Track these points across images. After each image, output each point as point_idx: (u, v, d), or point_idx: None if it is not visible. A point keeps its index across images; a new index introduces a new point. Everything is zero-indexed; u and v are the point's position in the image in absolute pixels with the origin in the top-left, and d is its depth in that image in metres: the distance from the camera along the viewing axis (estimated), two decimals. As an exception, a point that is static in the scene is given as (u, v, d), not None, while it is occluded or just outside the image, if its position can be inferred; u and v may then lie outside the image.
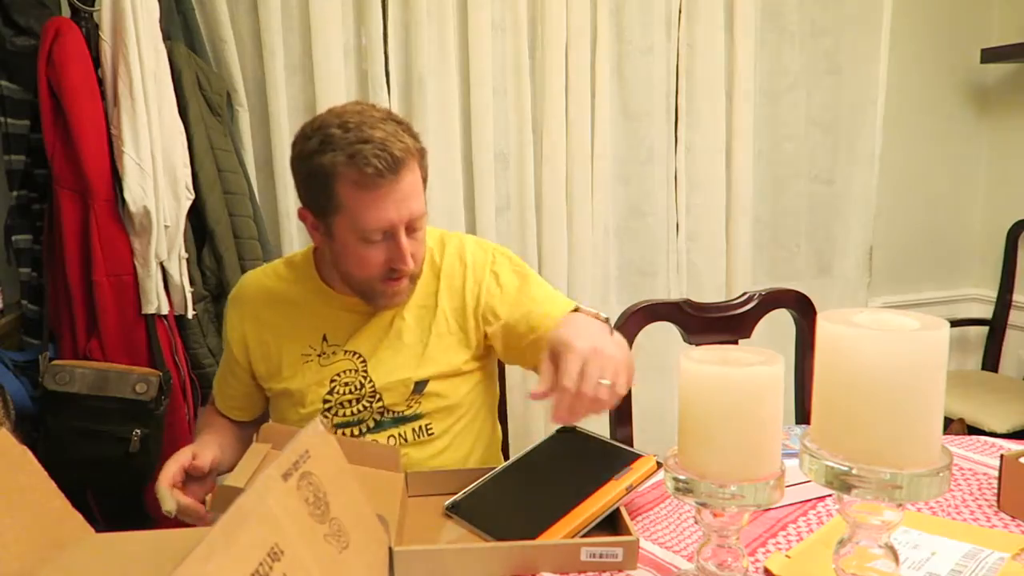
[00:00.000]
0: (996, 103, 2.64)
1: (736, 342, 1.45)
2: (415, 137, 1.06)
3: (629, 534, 0.86)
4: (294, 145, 1.08)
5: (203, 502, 1.02)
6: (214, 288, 1.68)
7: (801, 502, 0.98)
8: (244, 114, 1.82)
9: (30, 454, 0.67)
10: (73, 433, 1.44)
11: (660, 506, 0.99)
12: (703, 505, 0.70)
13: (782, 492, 0.70)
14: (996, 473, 0.98)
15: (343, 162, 1.00)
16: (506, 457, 1.37)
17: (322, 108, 1.24)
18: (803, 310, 1.48)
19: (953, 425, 2.19)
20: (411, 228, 1.06)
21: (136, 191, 1.46)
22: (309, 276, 1.20)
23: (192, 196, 1.59)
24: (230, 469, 1.00)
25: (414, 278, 1.13)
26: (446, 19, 1.94)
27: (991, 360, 2.59)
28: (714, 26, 2.15)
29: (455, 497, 0.99)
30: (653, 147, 2.20)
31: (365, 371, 1.15)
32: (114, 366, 1.48)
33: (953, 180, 2.68)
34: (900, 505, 0.63)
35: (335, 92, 1.86)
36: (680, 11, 2.16)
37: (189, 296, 1.59)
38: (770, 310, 1.48)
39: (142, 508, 1.57)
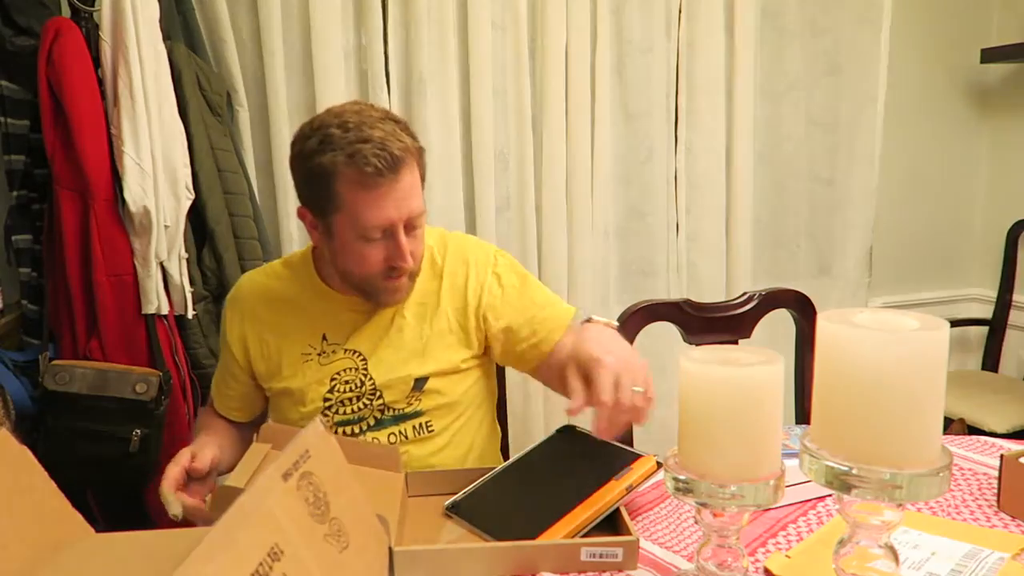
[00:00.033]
0: (996, 103, 2.64)
1: (736, 342, 1.45)
2: (413, 136, 1.07)
3: (629, 534, 0.86)
4: (293, 145, 1.09)
5: (205, 502, 1.02)
6: (214, 288, 1.68)
7: (801, 502, 0.98)
8: (244, 114, 1.82)
9: (30, 454, 0.67)
10: (73, 433, 1.44)
11: (660, 506, 0.99)
12: (703, 505, 0.70)
13: (782, 492, 0.70)
14: (996, 473, 0.98)
15: (343, 161, 1.01)
16: (506, 457, 1.37)
17: (322, 108, 1.24)
18: (803, 310, 1.48)
19: (953, 425, 2.19)
20: (410, 226, 1.07)
21: (136, 191, 1.46)
22: (308, 276, 1.20)
23: (192, 196, 1.59)
24: (230, 469, 1.01)
25: (413, 276, 1.14)
26: (446, 19, 1.94)
27: (991, 360, 2.59)
28: (714, 26, 2.15)
29: (455, 497, 0.99)
30: (653, 147, 2.20)
31: (365, 369, 1.15)
32: (114, 366, 1.48)
33: (953, 180, 2.68)
34: (900, 505, 0.63)
35: (335, 92, 1.86)
36: (680, 11, 2.15)
37: (189, 296, 1.59)
38: (770, 310, 1.48)
39: (142, 508, 1.57)
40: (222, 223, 1.66)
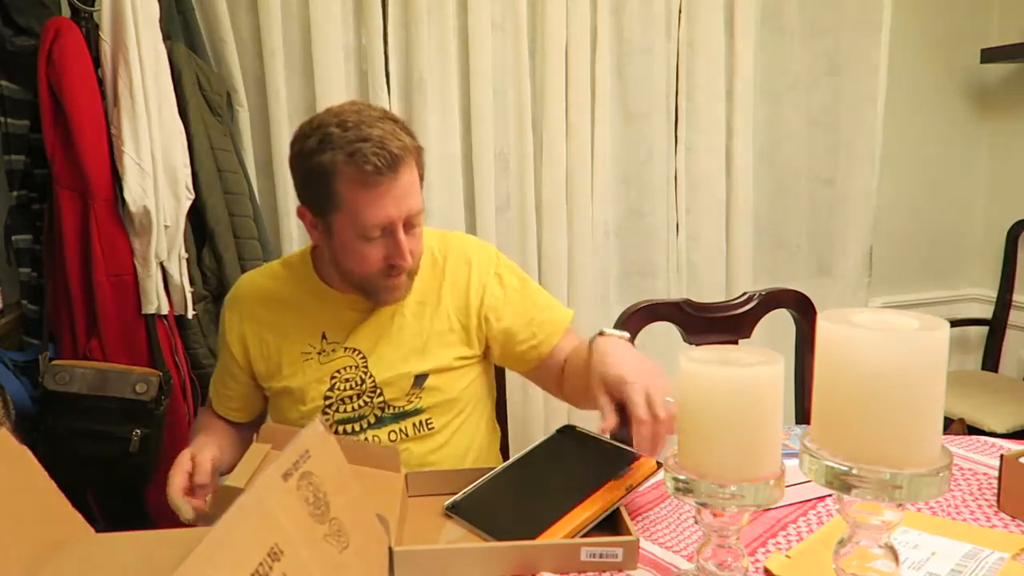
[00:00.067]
0: (996, 103, 2.64)
1: (736, 342, 1.45)
2: (412, 135, 1.08)
3: (629, 534, 0.86)
4: (293, 144, 1.09)
5: (206, 502, 1.03)
6: (214, 288, 1.68)
7: (801, 502, 0.99)
8: (244, 114, 1.82)
9: (30, 454, 0.67)
10: (73, 433, 1.44)
11: (660, 506, 0.99)
12: (703, 505, 0.70)
13: (782, 492, 0.70)
14: (996, 473, 0.98)
15: (343, 160, 1.01)
16: (506, 457, 1.37)
17: (322, 108, 1.24)
18: (803, 310, 1.48)
19: (953, 425, 2.19)
20: (409, 225, 1.08)
21: (136, 191, 1.46)
22: (307, 275, 1.20)
23: (192, 196, 1.59)
24: (230, 470, 1.01)
25: (412, 274, 1.14)
26: (446, 19, 1.94)
27: (991, 360, 2.59)
28: (714, 26, 2.15)
29: (455, 497, 0.99)
30: (653, 147, 2.20)
31: (366, 367, 1.16)
32: (114, 366, 1.47)
33: (953, 180, 2.68)
34: (900, 505, 0.63)
35: (335, 92, 1.86)
36: (680, 11, 2.15)
37: (189, 296, 1.59)
38: (770, 310, 1.48)
39: (142, 508, 1.57)
40: (222, 223, 1.66)
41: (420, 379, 1.17)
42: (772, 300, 1.48)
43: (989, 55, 2.46)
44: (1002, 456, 0.95)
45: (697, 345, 1.23)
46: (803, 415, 1.49)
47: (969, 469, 1.07)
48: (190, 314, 1.60)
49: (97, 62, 1.48)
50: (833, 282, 2.48)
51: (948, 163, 2.66)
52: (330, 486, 0.69)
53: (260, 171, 1.88)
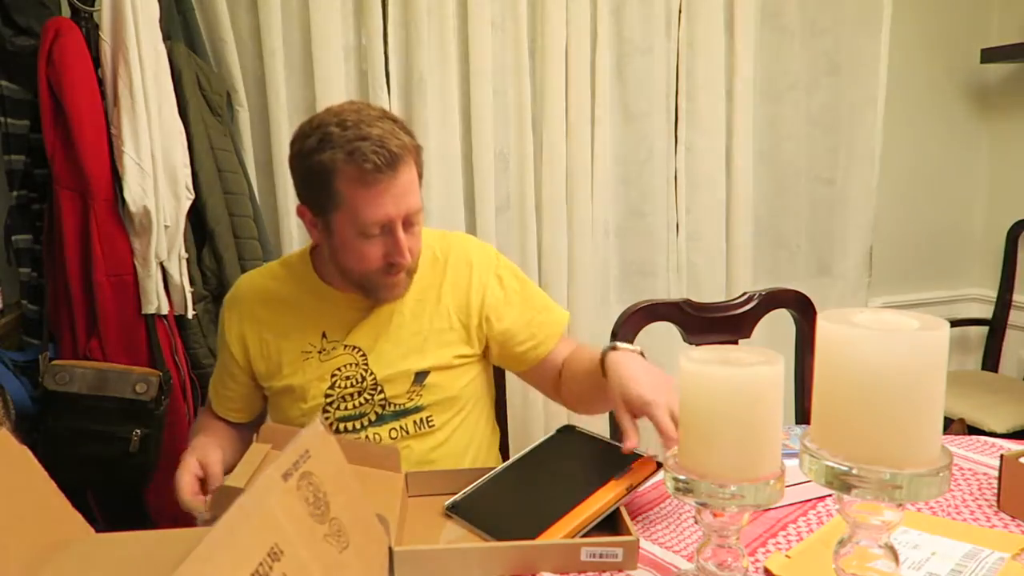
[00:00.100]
0: (996, 103, 2.64)
1: (736, 342, 1.45)
2: (411, 134, 1.09)
3: (629, 534, 0.86)
4: (293, 144, 1.10)
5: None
6: (214, 288, 1.68)
7: (801, 502, 0.99)
8: (244, 114, 1.82)
9: (30, 454, 0.67)
10: (73, 433, 1.44)
11: (660, 506, 0.99)
12: (703, 505, 0.69)
13: (782, 492, 0.70)
14: (996, 473, 0.98)
15: (342, 159, 1.02)
16: (505, 457, 1.37)
17: (322, 108, 1.24)
18: (803, 310, 1.48)
19: (953, 425, 2.19)
20: (408, 223, 1.08)
21: (136, 191, 1.46)
22: (306, 275, 1.21)
23: (192, 196, 1.59)
24: (229, 470, 1.01)
25: (411, 272, 1.15)
26: (446, 19, 1.94)
27: (991, 360, 2.59)
28: (714, 26, 2.15)
29: (455, 497, 0.99)
30: (653, 147, 2.20)
31: (366, 365, 1.16)
32: (114, 366, 1.47)
33: (953, 180, 2.68)
34: (900, 505, 0.63)
35: (335, 92, 1.86)
36: (680, 11, 2.15)
37: (189, 296, 1.59)
38: (770, 310, 1.48)
39: (142, 508, 1.57)
40: (222, 223, 1.66)
41: (420, 376, 1.17)
42: (772, 300, 1.48)
43: (989, 55, 2.46)
44: (1002, 456, 0.95)
45: (697, 345, 1.23)
46: (803, 415, 1.49)
47: (969, 469, 1.07)
48: (190, 314, 1.60)
49: (97, 62, 1.48)
50: (833, 282, 2.48)
51: (948, 163, 2.66)
52: (330, 486, 0.69)
53: (260, 171, 1.88)
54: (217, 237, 1.66)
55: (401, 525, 0.93)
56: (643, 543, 0.88)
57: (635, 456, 0.98)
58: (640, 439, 0.97)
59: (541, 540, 0.86)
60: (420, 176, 1.10)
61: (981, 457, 1.11)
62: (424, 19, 1.91)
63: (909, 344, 0.60)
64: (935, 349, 0.61)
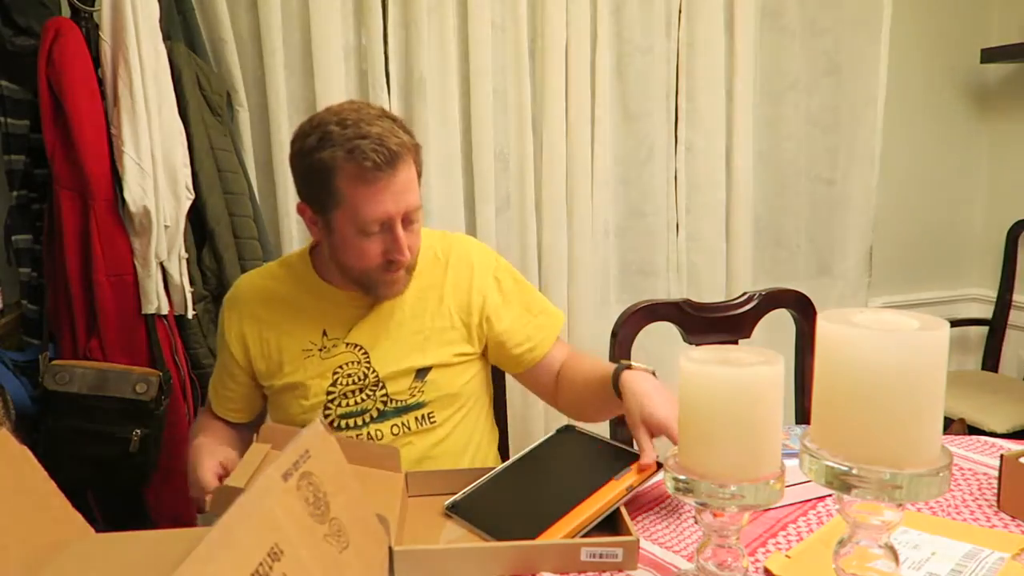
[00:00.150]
0: (996, 103, 2.64)
1: (736, 342, 1.45)
2: (410, 133, 1.10)
3: (629, 534, 0.86)
4: (293, 143, 1.11)
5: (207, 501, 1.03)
6: (214, 288, 1.68)
7: (801, 502, 0.99)
8: (244, 114, 1.82)
9: (30, 454, 0.67)
10: (73, 433, 1.44)
11: (660, 506, 0.99)
12: (703, 505, 0.70)
13: (782, 492, 0.70)
14: (996, 473, 0.98)
15: (342, 157, 1.03)
16: (505, 457, 1.37)
17: (322, 108, 1.25)
18: (803, 310, 1.48)
19: (953, 425, 2.19)
20: (407, 220, 1.09)
21: (136, 191, 1.46)
22: (306, 274, 1.22)
23: (192, 196, 1.59)
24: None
25: (410, 269, 1.16)
26: (446, 19, 1.94)
27: (991, 360, 2.59)
28: (714, 26, 2.15)
29: (455, 497, 0.99)
30: (653, 147, 2.20)
31: (368, 362, 1.17)
32: (114, 366, 1.47)
33: (953, 180, 2.68)
34: (900, 505, 0.63)
35: (335, 92, 1.86)
36: (680, 11, 2.15)
37: (189, 296, 1.59)
38: (770, 310, 1.48)
39: (142, 508, 1.57)
40: (222, 223, 1.66)
41: (422, 373, 1.18)
42: (772, 300, 1.48)
43: (989, 55, 2.46)
44: (1002, 456, 0.95)
45: (697, 345, 1.23)
46: (803, 415, 1.49)
47: (969, 469, 1.07)
48: (190, 314, 1.60)
49: (97, 62, 1.48)
50: (833, 282, 2.48)
51: (948, 163, 2.66)
52: (330, 486, 0.69)
53: (260, 171, 1.88)
54: (217, 237, 1.66)
55: (401, 525, 0.93)
56: (643, 543, 0.88)
57: (635, 456, 0.98)
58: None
59: (541, 540, 0.86)
60: (419, 174, 1.11)
61: (981, 457, 1.11)
62: (424, 19, 1.91)
63: (909, 344, 0.60)
64: (935, 349, 0.61)
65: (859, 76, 2.35)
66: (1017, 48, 2.37)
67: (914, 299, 2.68)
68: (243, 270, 1.64)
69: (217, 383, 1.28)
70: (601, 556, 0.84)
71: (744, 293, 1.49)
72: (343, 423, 1.17)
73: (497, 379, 1.39)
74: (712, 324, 1.45)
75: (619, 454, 1.00)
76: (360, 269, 1.12)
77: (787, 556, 0.86)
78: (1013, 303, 2.57)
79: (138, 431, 1.46)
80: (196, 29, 1.72)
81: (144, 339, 1.54)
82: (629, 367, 1.07)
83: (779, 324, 1.56)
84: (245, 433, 1.28)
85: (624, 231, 2.24)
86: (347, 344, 1.17)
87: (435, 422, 1.19)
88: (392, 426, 1.17)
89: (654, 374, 1.07)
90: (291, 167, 1.12)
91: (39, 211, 1.56)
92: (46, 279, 1.56)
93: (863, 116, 2.38)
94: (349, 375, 1.17)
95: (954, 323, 2.49)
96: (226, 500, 0.80)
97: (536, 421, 2.11)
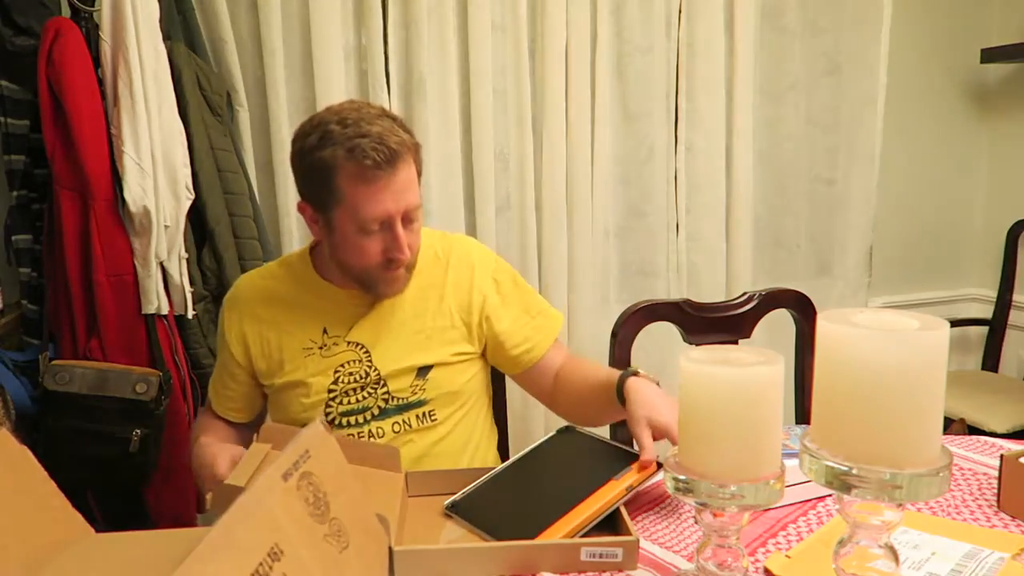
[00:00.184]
0: (996, 103, 2.64)
1: (736, 342, 1.45)
2: (409, 133, 1.10)
3: (629, 534, 0.86)
4: (294, 142, 1.12)
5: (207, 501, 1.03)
6: (214, 288, 1.68)
7: (801, 502, 0.99)
8: (244, 114, 1.82)
9: (30, 454, 0.67)
10: (73, 433, 1.44)
11: (660, 506, 0.99)
12: (703, 505, 0.70)
13: (782, 492, 0.70)
14: (996, 473, 0.98)
15: (343, 156, 1.04)
16: (505, 457, 1.37)
17: (322, 108, 1.25)
18: (803, 310, 1.48)
19: (953, 425, 2.19)
20: (407, 219, 1.10)
21: (136, 191, 1.46)
22: (306, 273, 1.22)
23: (192, 196, 1.59)
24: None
25: (410, 268, 1.16)
26: (446, 19, 1.94)
27: (991, 360, 2.59)
28: (714, 26, 2.15)
29: (455, 497, 0.99)
30: (653, 147, 2.20)
31: (370, 360, 1.17)
32: (114, 366, 1.48)
33: (953, 180, 2.68)
34: (900, 505, 0.63)
35: (335, 92, 1.86)
36: (680, 11, 2.15)
37: (189, 296, 1.59)
38: (770, 310, 1.48)
39: (142, 508, 1.57)
40: (222, 223, 1.66)
41: (423, 371, 1.19)
42: (772, 300, 1.48)
43: (989, 55, 2.46)
44: (1002, 456, 0.95)
45: (697, 345, 1.23)
46: (803, 415, 1.49)
47: (969, 469, 1.07)
48: (190, 314, 1.60)
49: (97, 62, 1.48)
50: (833, 282, 2.48)
51: (948, 163, 2.66)
52: (330, 486, 0.69)
53: (260, 171, 1.88)
54: (217, 237, 1.66)
55: (401, 525, 0.93)
56: (643, 543, 0.88)
57: (635, 456, 0.98)
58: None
59: (541, 540, 0.86)
60: (419, 173, 1.12)
61: (981, 457, 1.11)
62: (424, 19, 1.91)
63: (909, 344, 0.60)
64: (935, 349, 0.61)
65: (859, 76, 2.35)
66: (1017, 48, 2.37)
67: (914, 299, 2.68)
68: (243, 270, 1.64)
69: (217, 383, 1.28)
70: (601, 556, 0.84)
71: (744, 293, 1.49)
72: (344, 420, 1.18)
73: (497, 379, 1.39)
74: (712, 324, 1.45)
75: (619, 454, 1.00)
76: (360, 267, 1.12)
77: (787, 556, 0.86)
78: (1013, 303, 2.57)
79: (138, 431, 1.46)
80: (196, 29, 1.72)
81: (144, 339, 1.54)
82: (636, 374, 1.08)
83: (779, 324, 1.56)
84: (245, 433, 1.28)
85: (624, 231, 2.24)
86: (348, 343, 1.18)
87: (436, 420, 1.20)
88: (393, 423, 1.18)
89: (658, 384, 1.08)
90: (292, 166, 1.13)
91: (39, 211, 1.56)
92: (46, 279, 1.56)
93: (863, 116, 2.38)
94: (351, 373, 1.17)
95: (954, 323, 2.49)
96: (226, 499, 0.80)
97: (536, 421, 2.11)
